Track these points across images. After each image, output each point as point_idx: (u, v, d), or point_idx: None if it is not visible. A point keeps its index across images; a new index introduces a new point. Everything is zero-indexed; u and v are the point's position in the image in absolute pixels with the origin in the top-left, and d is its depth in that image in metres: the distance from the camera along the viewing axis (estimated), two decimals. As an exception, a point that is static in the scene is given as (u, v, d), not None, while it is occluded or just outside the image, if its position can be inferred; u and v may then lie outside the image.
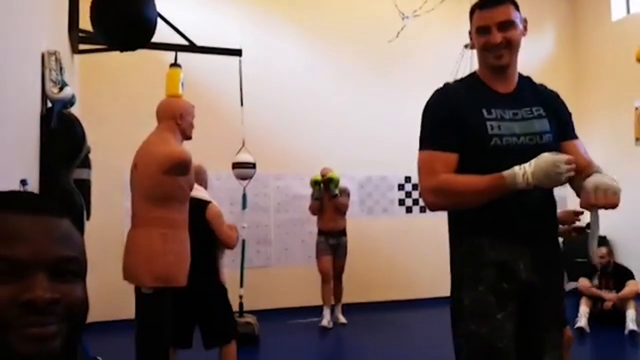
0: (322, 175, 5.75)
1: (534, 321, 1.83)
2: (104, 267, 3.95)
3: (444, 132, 1.84)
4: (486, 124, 1.81)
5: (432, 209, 1.89)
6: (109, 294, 4.04)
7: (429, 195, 1.84)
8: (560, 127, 1.93)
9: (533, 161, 1.66)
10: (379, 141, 7.04)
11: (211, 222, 3.50)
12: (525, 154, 1.73)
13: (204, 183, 3.71)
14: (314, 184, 5.77)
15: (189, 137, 3.08)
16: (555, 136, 1.88)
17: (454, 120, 1.83)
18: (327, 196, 5.76)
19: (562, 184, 1.69)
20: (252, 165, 5.19)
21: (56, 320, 0.73)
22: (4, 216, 0.74)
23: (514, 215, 1.80)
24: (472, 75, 1.99)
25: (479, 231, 1.83)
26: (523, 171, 1.66)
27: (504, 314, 1.75)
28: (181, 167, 2.83)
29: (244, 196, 5.31)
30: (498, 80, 1.91)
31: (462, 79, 2.03)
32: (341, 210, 5.81)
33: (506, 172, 1.69)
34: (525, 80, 1.99)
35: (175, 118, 2.98)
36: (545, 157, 1.66)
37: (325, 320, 5.66)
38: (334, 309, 5.79)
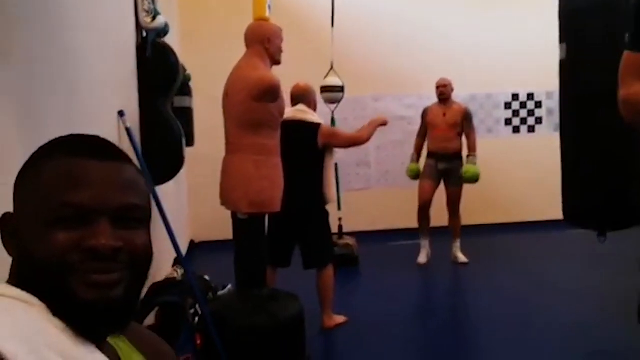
0: (438, 87, 5.07)
1: None
2: (207, 191, 4.13)
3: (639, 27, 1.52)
4: None
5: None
6: (212, 217, 4.25)
7: (619, 106, 1.56)
8: None
9: None
10: (482, 57, 6.54)
11: (332, 143, 3.52)
12: None
13: (312, 104, 3.63)
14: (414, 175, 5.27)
15: (278, 62, 3.01)
16: None
17: None
18: (441, 112, 5.07)
19: None
20: (340, 89, 4.97)
21: (119, 268, 0.72)
22: (70, 161, 0.73)
23: None
24: None
25: None
26: None
27: None
28: (270, 94, 2.80)
29: (333, 120, 5.22)
30: None
31: None
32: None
33: None
34: None
35: (263, 42, 2.92)
36: None
37: (423, 256, 5.18)
38: (452, 246, 5.20)
